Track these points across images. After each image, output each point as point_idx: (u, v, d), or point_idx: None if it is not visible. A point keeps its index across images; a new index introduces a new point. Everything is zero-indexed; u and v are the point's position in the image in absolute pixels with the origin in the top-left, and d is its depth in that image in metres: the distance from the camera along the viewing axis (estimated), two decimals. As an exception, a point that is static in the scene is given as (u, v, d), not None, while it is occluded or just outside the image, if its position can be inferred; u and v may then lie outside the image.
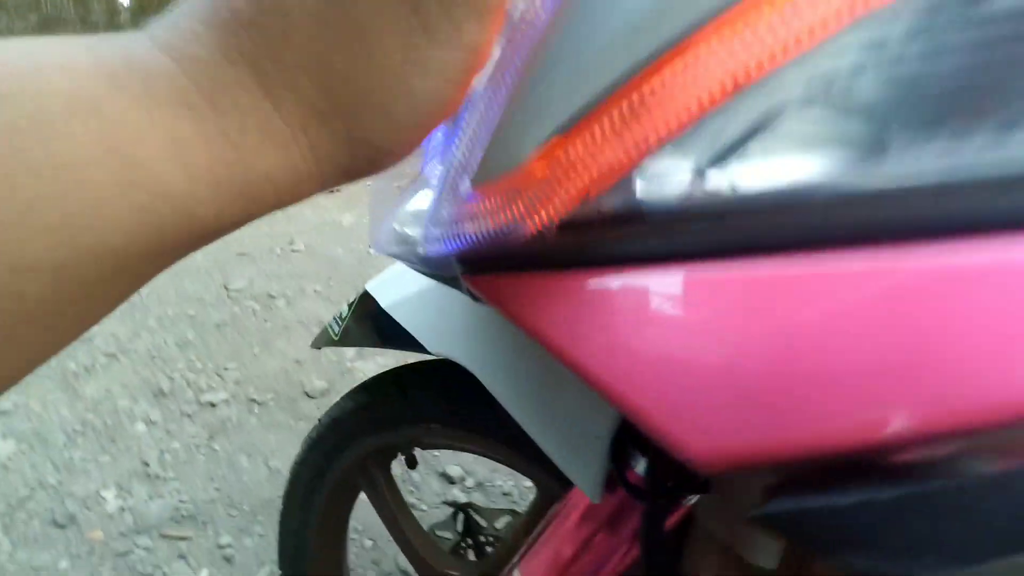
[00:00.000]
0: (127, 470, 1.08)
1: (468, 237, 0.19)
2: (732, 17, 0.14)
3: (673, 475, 0.31)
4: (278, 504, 0.94)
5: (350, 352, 1.49)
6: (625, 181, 0.16)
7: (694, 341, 0.18)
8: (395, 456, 0.63)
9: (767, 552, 0.31)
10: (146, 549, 0.93)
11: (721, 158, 0.15)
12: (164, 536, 0.95)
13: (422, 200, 0.28)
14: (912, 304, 0.16)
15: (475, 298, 0.23)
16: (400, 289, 0.47)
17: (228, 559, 0.92)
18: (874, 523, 0.19)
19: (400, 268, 0.51)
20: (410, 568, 0.91)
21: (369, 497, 0.63)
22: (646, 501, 0.32)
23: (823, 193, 0.16)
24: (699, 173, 0.16)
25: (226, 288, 1.82)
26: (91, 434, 1.17)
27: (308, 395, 1.31)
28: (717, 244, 0.17)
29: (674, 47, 0.15)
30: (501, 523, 0.66)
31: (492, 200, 0.17)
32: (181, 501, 1.01)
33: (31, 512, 0.98)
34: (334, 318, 0.57)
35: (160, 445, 1.14)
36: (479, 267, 0.21)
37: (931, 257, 0.16)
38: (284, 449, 1.15)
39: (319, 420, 0.63)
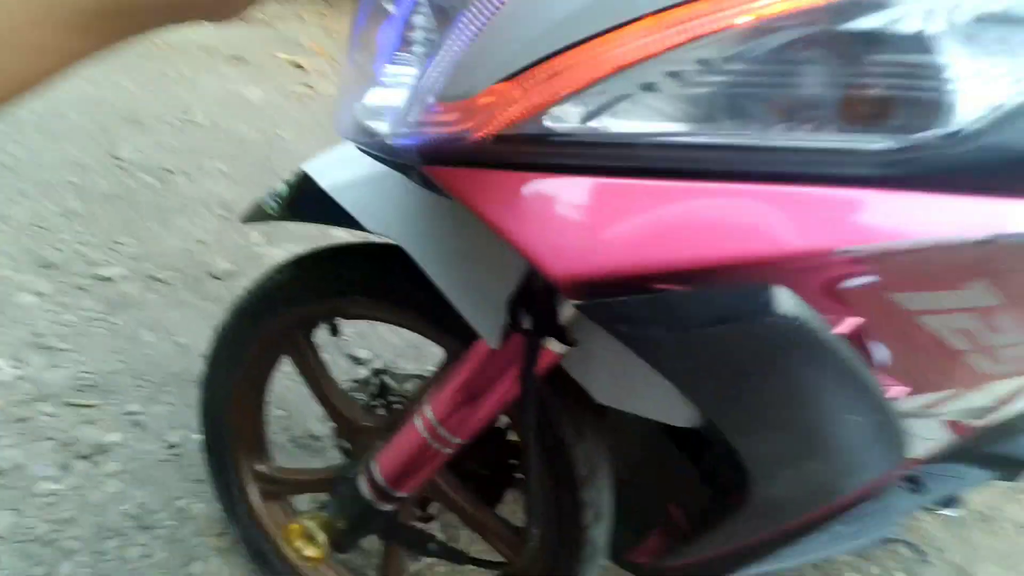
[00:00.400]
0: (19, 340, 1.05)
1: (429, 137, 0.28)
2: (620, 30, 0.24)
3: (548, 328, 0.43)
4: (187, 377, 1.00)
5: (256, 236, 1.49)
6: (540, 116, 0.27)
7: (568, 207, 0.29)
8: (318, 325, 0.71)
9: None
10: (49, 415, 0.95)
11: (598, 111, 0.26)
12: (68, 404, 0.97)
13: (379, 97, 0.35)
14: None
15: (425, 184, 0.32)
16: (341, 173, 0.53)
17: (138, 424, 0.97)
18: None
19: (340, 154, 0.57)
20: (318, 431, 1.02)
21: (294, 361, 0.71)
22: (528, 341, 0.44)
23: (656, 140, 0.27)
24: (584, 117, 0.26)
25: (113, 156, 1.67)
26: (-33, 304, 1.11)
27: (214, 276, 1.31)
28: (592, 163, 0.28)
29: (583, 40, 0.24)
30: (410, 385, 0.77)
31: (451, 114, 0.26)
32: (83, 372, 1.02)
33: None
34: (268, 195, 0.61)
35: (53, 317, 1.11)
36: (435, 160, 0.30)
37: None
38: (191, 327, 1.17)
39: (247, 289, 0.69)
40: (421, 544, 0.67)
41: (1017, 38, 0.26)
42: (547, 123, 0.29)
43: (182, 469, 0.92)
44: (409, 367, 1.18)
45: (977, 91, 0.25)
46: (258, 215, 0.63)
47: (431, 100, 0.30)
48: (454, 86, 0.29)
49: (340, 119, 0.36)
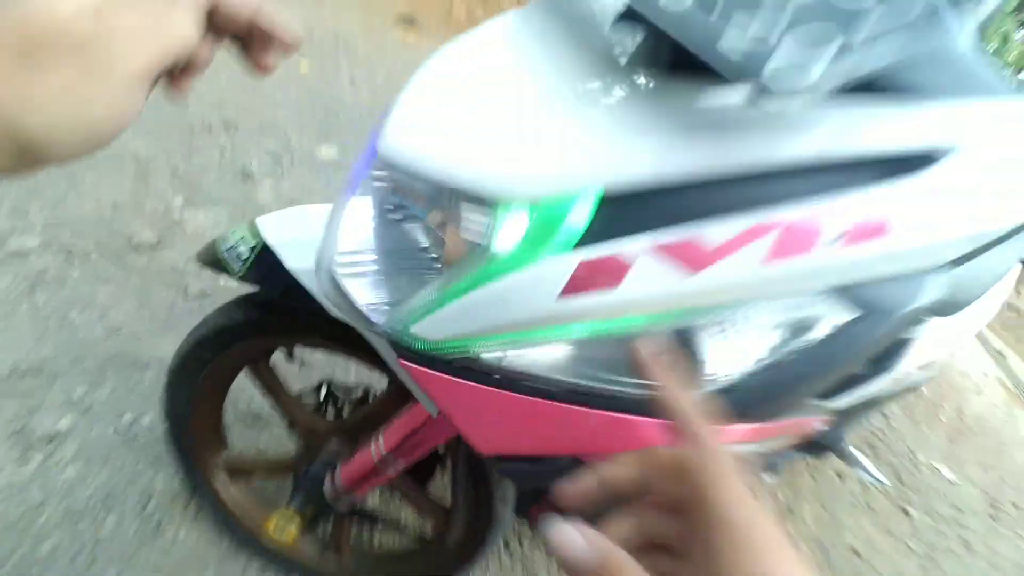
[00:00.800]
0: (-65, 326, 1.03)
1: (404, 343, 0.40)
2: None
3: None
4: (125, 359, 1.06)
5: (178, 199, 1.46)
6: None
7: (488, 409, 0.44)
8: (274, 351, 0.80)
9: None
10: (-9, 405, 0.98)
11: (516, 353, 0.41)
12: (10, 395, 1.00)
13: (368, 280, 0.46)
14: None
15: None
16: (302, 254, 0.60)
17: (87, 409, 1.03)
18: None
19: (297, 218, 0.65)
20: (261, 410, 1.12)
21: (251, 377, 0.81)
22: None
23: (535, 374, 0.42)
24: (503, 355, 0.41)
25: None
26: None
27: (136, 249, 1.30)
28: (505, 381, 0.43)
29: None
30: (354, 394, 0.90)
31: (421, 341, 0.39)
32: (18, 359, 1.04)
33: None
34: (227, 248, 0.67)
35: (-32, 299, 1.09)
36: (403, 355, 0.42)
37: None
38: (119, 304, 1.19)
39: (204, 319, 0.76)
40: (369, 522, 0.85)
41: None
42: (482, 355, 0.44)
43: (138, 449, 1.01)
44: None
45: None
46: (214, 262, 0.69)
47: (411, 328, 0.42)
48: (432, 328, 0.41)
49: (321, 259, 0.46)
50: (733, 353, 0.42)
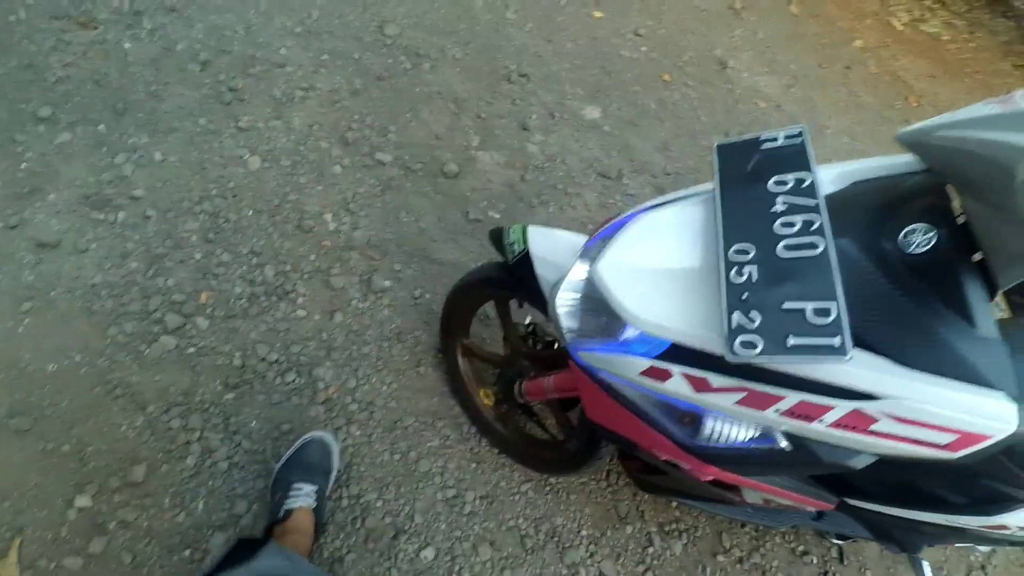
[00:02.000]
0: (336, 201, 1.72)
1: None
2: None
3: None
4: (424, 254, 1.61)
5: (475, 140, 1.96)
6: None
7: None
8: (512, 298, 1.24)
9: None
10: (355, 260, 1.64)
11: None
12: (363, 255, 1.65)
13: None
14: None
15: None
16: (547, 268, 0.98)
17: (399, 279, 1.64)
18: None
19: (554, 239, 1.02)
20: (493, 320, 1.60)
21: (494, 305, 1.27)
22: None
23: None
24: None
25: (382, 32, 2.14)
26: (306, 165, 1.78)
27: (445, 175, 1.85)
28: None
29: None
30: (546, 338, 1.30)
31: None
32: (371, 234, 1.69)
33: (285, 217, 1.67)
34: (507, 242, 1.07)
35: (352, 188, 1.76)
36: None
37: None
38: (428, 214, 1.77)
39: (481, 267, 1.22)
40: (528, 417, 1.30)
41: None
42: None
43: (421, 311, 1.59)
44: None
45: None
46: (497, 244, 1.11)
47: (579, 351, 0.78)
48: (586, 356, 0.77)
49: (553, 289, 0.84)
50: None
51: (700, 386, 0.71)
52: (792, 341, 0.60)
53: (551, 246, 1.02)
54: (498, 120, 2.05)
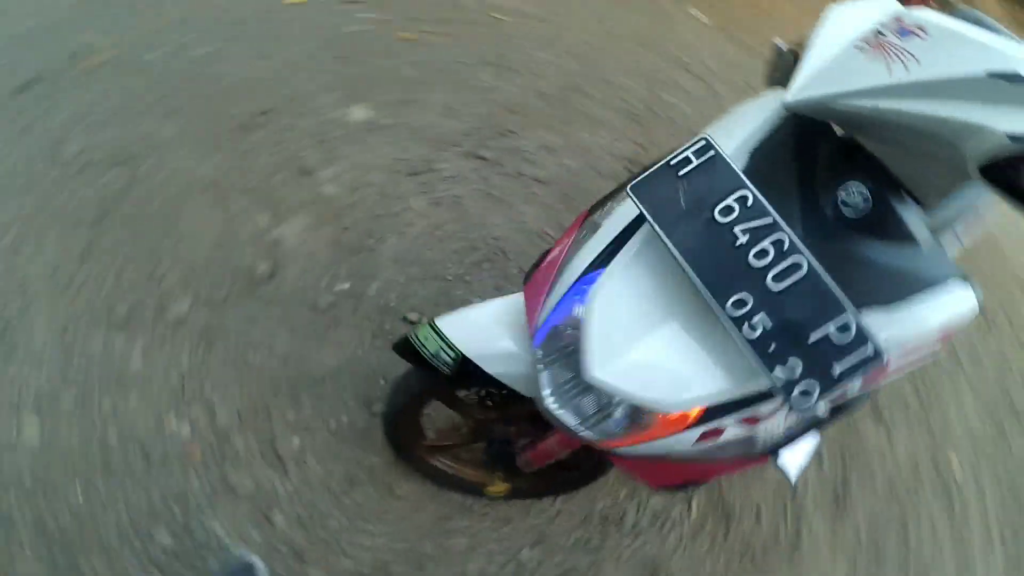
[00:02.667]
0: (165, 403, 1.34)
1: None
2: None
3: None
4: (305, 380, 1.36)
5: (264, 220, 1.61)
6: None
7: None
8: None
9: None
10: (239, 448, 1.32)
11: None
12: (244, 433, 1.33)
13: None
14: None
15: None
16: (497, 360, 0.84)
17: (304, 427, 1.36)
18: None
19: (475, 322, 0.87)
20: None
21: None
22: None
23: None
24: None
25: (61, 156, 1.59)
26: (93, 383, 1.33)
27: (260, 281, 1.52)
28: None
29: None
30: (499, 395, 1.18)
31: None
32: (235, 405, 1.35)
33: (124, 461, 1.26)
34: (429, 353, 0.89)
35: (172, 372, 1.37)
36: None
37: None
38: (275, 337, 1.45)
39: (405, 384, 1.04)
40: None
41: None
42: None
43: (350, 441, 1.36)
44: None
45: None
46: (415, 359, 0.92)
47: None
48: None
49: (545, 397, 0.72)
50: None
51: (753, 421, 0.67)
52: (838, 369, 0.58)
53: (481, 336, 0.87)
54: (271, 180, 1.70)
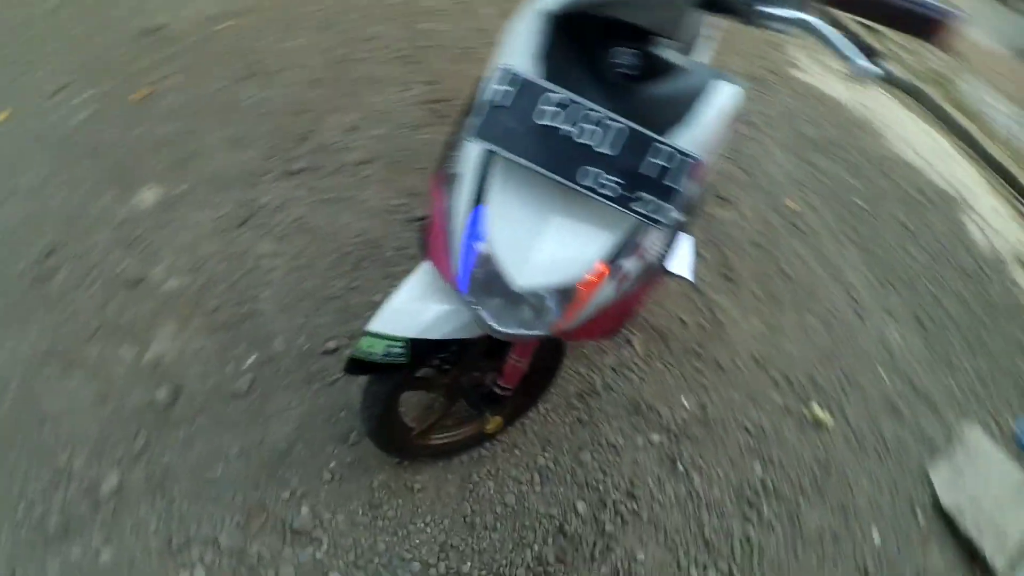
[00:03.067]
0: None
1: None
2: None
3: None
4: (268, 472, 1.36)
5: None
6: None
7: None
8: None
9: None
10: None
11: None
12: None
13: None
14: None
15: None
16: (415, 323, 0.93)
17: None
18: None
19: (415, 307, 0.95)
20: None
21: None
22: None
23: None
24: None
25: None
26: None
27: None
28: None
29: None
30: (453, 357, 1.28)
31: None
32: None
33: None
34: (380, 357, 0.95)
35: None
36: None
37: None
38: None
39: (371, 396, 1.10)
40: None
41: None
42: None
43: (344, 488, 1.41)
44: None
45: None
46: (369, 369, 0.99)
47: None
48: None
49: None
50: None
51: (640, 252, 0.84)
52: (671, 182, 0.75)
53: (414, 315, 0.95)
54: (105, 312, 1.55)
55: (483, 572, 1.33)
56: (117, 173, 1.77)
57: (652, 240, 0.89)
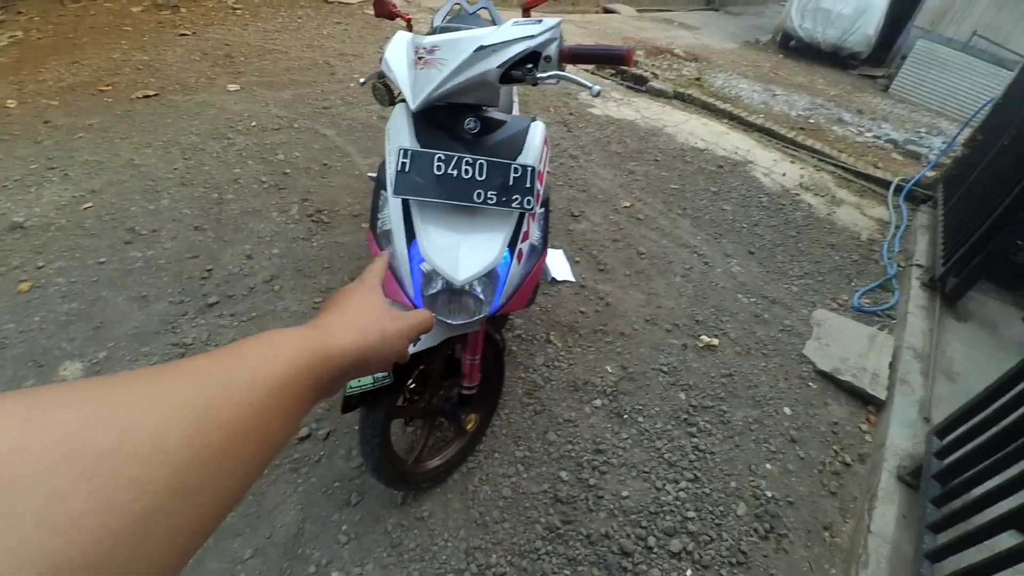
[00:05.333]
0: None
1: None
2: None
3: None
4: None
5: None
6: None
7: None
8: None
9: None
10: None
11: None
12: None
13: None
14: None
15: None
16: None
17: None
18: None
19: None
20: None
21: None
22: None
23: None
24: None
25: None
26: None
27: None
28: None
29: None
30: (415, 383, 1.51)
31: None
32: None
33: None
34: (362, 385, 1.19)
35: None
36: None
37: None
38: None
39: (364, 436, 1.30)
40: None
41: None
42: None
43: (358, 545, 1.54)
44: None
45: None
46: (361, 404, 1.21)
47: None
48: None
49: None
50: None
51: (526, 236, 1.19)
52: (529, 184, 1.12)
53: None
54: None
55: (509, 557, 1.52)
56: (31, 358, 1.79)
57: (532, 228, 1.26)
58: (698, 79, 6.29)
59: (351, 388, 1.19)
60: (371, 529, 1.53)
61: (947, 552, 1.48)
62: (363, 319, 0.42)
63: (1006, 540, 1.30)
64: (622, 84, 5.59)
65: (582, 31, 7.54)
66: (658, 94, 5.41)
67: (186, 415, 0.24)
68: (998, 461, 1.49)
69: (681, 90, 5.46)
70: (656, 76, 5.76)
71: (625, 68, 5.57)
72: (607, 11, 10.39)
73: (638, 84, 5.56)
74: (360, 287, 0.47)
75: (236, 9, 5.38)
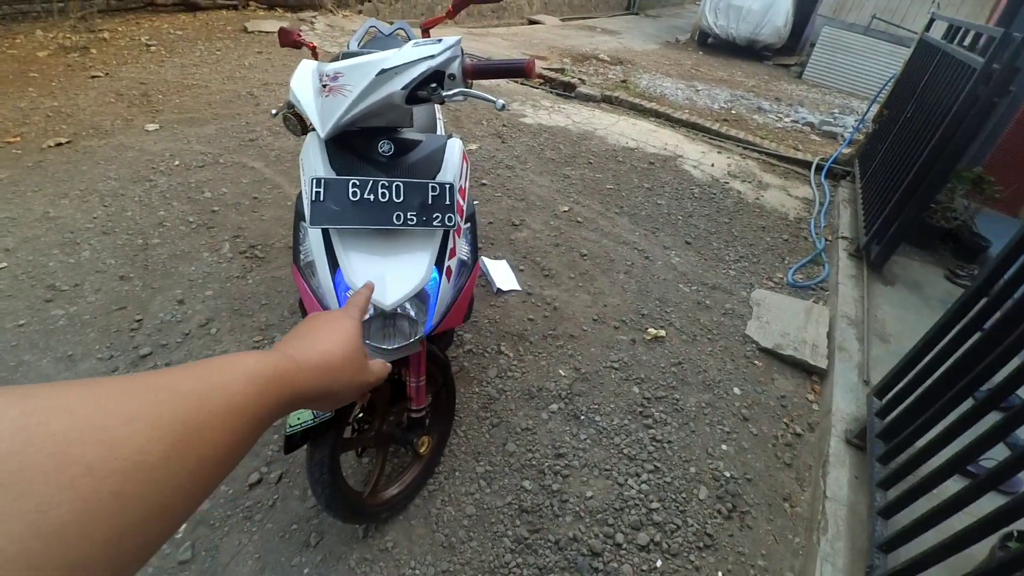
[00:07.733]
0: None
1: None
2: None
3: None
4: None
5: None
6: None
7: None
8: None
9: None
10: None
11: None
12: None
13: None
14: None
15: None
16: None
17: None
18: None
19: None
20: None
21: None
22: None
23: None
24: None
25: None
26: None
27: None
28: None
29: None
30: (362, 413, 1.48)
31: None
32: None
33: None
34: (302, 423, 1.16)
35: None
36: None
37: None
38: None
39: (313, 476, 1.27)
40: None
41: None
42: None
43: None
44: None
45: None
46: (302, 443, 1.18)
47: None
48: None
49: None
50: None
51: (453, 253, 1.20)
52: (449, 201, 1.13)
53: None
54: None
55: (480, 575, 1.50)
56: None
57: (459, 244, 1.26)
58: (624, 81, 6.49)
59: (291, 426, 1.16)
60: (334, 568, 1.48)
61: (898, 507, 1.55)
62: (336, 361, 0.44)
63: (952, 486, 1.36)
64: (552, 92, 5.70)
65: (508, 43, 7.67)
66: (587, 99, 5.55)
67: (165, 435, 0.26)
68: (935, 412, 1.57)
69: (608, 93, 5.63)
70: (583, 82, 5.91)
71: (527, 79, 5.68)
72: (532, 22, 10.62)
73: (567, 91, 5.69)
74: (344, 323, 0.47)
75: (150, 46, 5.18)
